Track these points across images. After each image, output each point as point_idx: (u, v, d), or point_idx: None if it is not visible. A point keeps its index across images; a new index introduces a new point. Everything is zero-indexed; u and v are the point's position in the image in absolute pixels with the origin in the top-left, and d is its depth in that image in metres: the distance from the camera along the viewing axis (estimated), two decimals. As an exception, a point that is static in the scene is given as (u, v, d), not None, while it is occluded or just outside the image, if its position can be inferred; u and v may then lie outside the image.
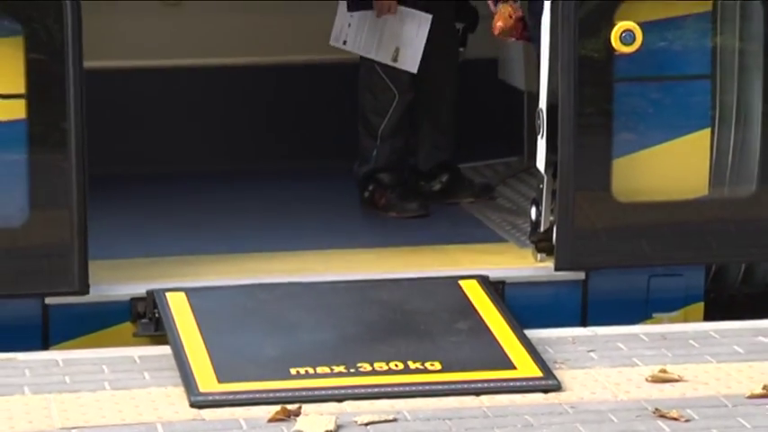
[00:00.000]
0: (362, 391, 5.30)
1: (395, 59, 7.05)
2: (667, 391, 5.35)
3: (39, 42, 5.80)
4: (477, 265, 6.33)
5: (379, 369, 5.44)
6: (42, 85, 5.81)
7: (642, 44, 6.08)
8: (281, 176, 7.61)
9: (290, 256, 6.52)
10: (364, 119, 7.24)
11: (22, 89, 5.79)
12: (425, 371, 5.44)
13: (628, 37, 6.06)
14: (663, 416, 5.08)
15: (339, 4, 7.16)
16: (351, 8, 7.05)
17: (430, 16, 6.98)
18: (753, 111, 6.28)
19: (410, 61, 7.01)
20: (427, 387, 5.33)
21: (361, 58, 7.18)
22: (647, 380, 5.43)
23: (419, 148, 7.34)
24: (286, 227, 6.92)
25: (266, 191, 7.48)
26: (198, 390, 5.29)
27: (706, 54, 6.25)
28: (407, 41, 7.02)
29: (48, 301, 5.96)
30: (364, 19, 7.09)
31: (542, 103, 6.25)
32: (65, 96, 5.80)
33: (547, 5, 6.15)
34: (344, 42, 7.19)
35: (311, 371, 5.43)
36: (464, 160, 7.57)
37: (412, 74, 7.06)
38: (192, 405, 5.21)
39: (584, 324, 6.19)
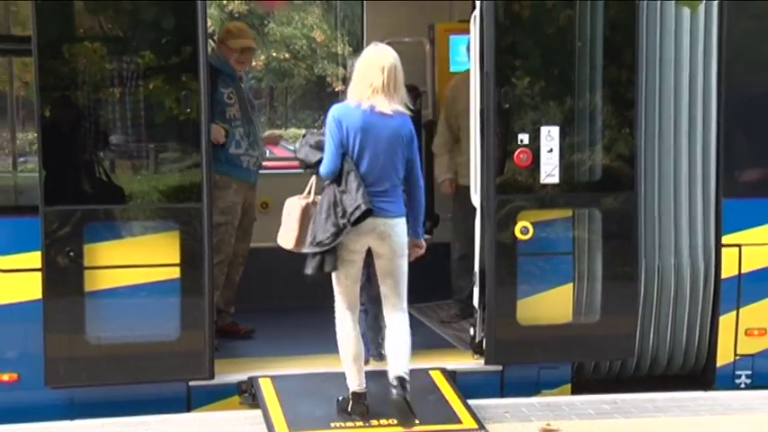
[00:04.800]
0: (373, 436, 5.25)
1: None
2: (551, 436, 5.30)
3: (188, 233, 5.77)
4: (439, 362, 6.20)
5: (383, 423, 5.38)
6: (189, 257, 5.76)
7: (534, 234, 6.05)
8: (327, 310, 7.49)
9: (329, 357, 6.27)
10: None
11: (177, 260, 5.76)
12: (410, 425, 5.33)
13: (524, 230, 6.05)
14: (548, 451, 5.05)
15: None
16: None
17: None
18: (596, 273, 6.23)
19: None
20: (411, 435, 5.24)
21: None
22: (539, 430, 5.39)
23: None
24: (329, 339, 6.76)
25: (318, 318, 7.26)
26: (277, 436, 5.23)
27: (569, 240, 6.22)
28: None
29: (190, 383, 5.88)
30: None
31: (476, 269, 6.20)
32: (203, 265, 5.77)
33: (478, 214, 6.14)
34: None
35: (343, 424, 5.38)
36: (425, 300, 7.44)
37: None
38: (274, 445, 5.16)
39: (502, 396, 6.08)
